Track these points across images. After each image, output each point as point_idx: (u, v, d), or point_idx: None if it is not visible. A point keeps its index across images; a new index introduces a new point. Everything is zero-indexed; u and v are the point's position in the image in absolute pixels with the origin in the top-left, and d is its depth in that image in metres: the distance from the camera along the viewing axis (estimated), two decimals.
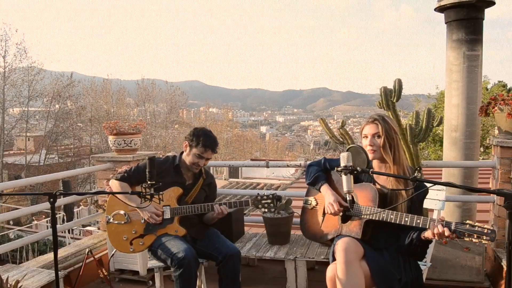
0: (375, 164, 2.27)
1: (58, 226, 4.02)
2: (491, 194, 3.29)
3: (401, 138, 2.25)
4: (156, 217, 2.65)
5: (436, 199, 2.47)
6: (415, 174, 1.84)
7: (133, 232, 2.71)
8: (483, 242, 1.79)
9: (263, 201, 2.65)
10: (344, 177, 1.92)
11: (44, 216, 12.84)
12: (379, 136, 2.18)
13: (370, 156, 2.21)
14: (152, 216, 2.64)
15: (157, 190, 2.08)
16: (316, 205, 2.47)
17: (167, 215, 2.67)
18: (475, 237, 1.80)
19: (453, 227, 1.86)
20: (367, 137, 2.22)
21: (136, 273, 3.54)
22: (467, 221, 1.84)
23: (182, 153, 2.81)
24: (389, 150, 2.16)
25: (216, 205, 2.65)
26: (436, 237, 1.91)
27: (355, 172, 1.93)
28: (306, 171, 2.53)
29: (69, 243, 6.09)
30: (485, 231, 1.78)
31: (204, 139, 2.67)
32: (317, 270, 3.56)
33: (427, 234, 1.98)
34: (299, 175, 14.06)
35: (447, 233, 1.86)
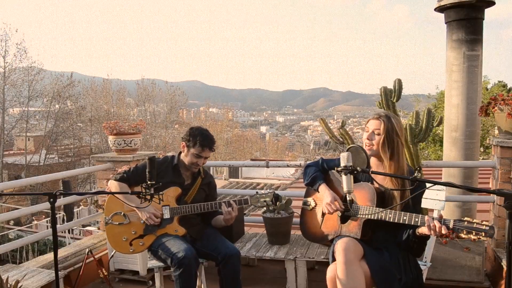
0: (373, 161, 2.28)
1: (58, 226, 4.02)
2: (491, 194, 3.29)
3: (403, 142, 2.24)
4: (154, 218, 2.65)
5: (436, 199, 2.47)
6: (415, 174, 1.84)
7: (133, 232, 2.71)
8: (482, 239, 1.79)
9: (261, 199, 2.66)
10: (344, 177, 1.92)
11: (44, 216, 12.84)
12: (378, 134, 2.18)
13: (367, 151, 2.22)
14: (151, 217, 2.64)
15: (157, 190, 2.08)
16: (315, 206, 2.47)
17: (167, 215, 2.67)
18: (473, 234, 1.79)
19: (451, 225, 1.86)
20: (368, 131, 2.23)
21: (136, 273, 3.54)
22: (465, 218, 1.84)
23: (180, 153, 2.81)
24: (387, 150, 2.16)
25: (223, 206, 2.64)
26: (432, 233, 1.90)
27: (355, 172, 1.93)
28: (304, 172, 2.53)
29: (69, 243, 6.10)
30: (483, 227, 1.78)
31: (201, 139, 2.67)
32: (317, 270, 3.56)
33: (421, 230, 1.99)
34: (299, 175, 14.07)
35: (444, 228, 1.86)
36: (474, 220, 1.81)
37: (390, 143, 2.16)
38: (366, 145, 2.22)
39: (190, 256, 2.45)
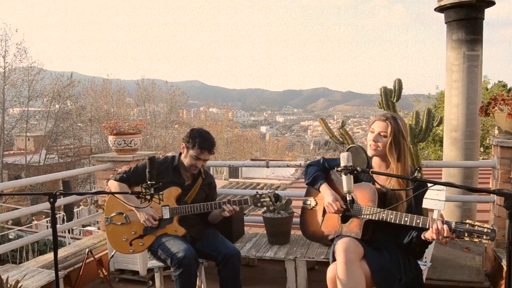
0: (376, 162, 2.27)
1: (58, 226, 4.02)
2: (491, 194, 3.29)
3: (408, 143, 2.23)
4: (152, 220, 2.65)
5: (436, 199, 2.47)
6: (415, 174, 1.84)
7: (133, 232, 2.71)
8: (484, 241, 1.79)
9: (262, 200, 2.66)
10: (344, 177, 1.92)
11: (44, 216, 12.84)
12: (385, 136, 2.17)
13: (371, 152, 2.21)
14: (149, 219, 2.64)
15: (157, 190, 2.08)
16: (316, 205, 2.47)
17: (166, 215, 2.67)
18: (475, 236, 1.79)
19: (453, 227, 1.86)
20: (373, 132, 2.21)
21: (136, 273, 3.54)
22: (467, 221, 1.84)
23: (181, 153, 2.81)
24: (394, 152, 2.15)
25: (228, 205, 2.64)
26: (435, 235, 1.90)
27: (355, 172, 1.92)
28: (305, 171, 2.53)
29: (69, 243, 6.10)
30: (485, 230, 1.78)
31: (200, 141, 2.66)
32: (317, 270, 3.56)
33: (428, 235, 1.98)
34: (299, 175, 14.07)
35: (446, 231, 1.86)
36: (476, 223, 1.81)
37: (397, 145, 2.15)
38: (371, 146, 2.21)
39: (190, 256, 2.46)
